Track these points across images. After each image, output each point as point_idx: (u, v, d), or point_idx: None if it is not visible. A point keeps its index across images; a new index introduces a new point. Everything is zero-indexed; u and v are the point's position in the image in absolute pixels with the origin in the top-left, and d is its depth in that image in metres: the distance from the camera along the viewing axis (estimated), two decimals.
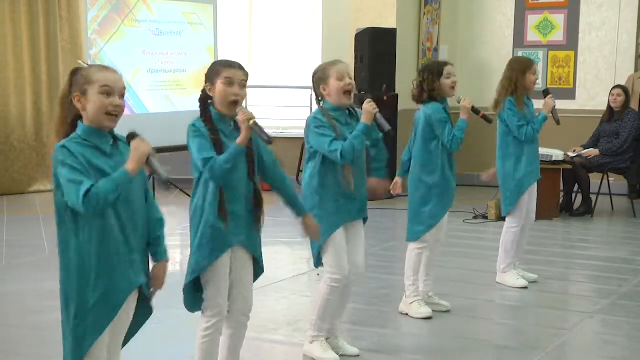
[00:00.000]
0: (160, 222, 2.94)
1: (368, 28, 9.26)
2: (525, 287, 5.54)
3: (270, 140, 3.28)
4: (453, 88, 4.76)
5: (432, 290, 5.05)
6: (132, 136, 2.78)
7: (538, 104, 5.57)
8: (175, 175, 8.72)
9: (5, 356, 4.24)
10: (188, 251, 3.45)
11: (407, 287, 4.94)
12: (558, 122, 5.59)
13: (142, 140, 2.76)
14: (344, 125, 3.95)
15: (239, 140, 3.23)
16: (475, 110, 4.83)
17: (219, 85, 3.29)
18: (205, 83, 3.35)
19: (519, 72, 5.37)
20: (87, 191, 2.61)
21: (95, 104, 2.70)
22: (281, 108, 10.41)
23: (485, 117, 4.86)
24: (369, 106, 3.93)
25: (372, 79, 9.10)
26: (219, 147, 3.27)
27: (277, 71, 10.74)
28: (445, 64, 4.79)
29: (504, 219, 5.73)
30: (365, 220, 4.15)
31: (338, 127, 3.93)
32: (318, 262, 4.10)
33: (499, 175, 5.55)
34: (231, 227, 3.34)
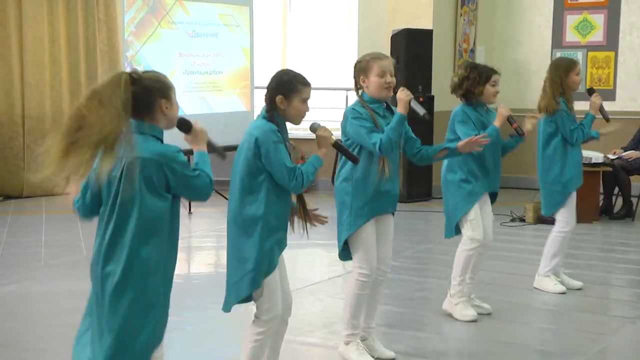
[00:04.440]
0: None
1: (404, 29, 9.20)
2: (564, 293, 5.45)
3: (357, 160, 3.73)
4: (494, 96, 4.76)
5: (473, 293, 5.00)
6: (186, 123, 3.01)
7: (579, 104, 5.46)
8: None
9: (37, 354, 4.28)
10: (223, 253, 3.44)
11: (453, 286, 4.90)
12: (608, 119, 5.46)
13: (196, 123, 3.04)
14: (381, 118, 3.96)
15: (321, 155, 3.48)
16: (510, 120, 4.72)
17: (296, 102, 3.43)
18: (277, 95, 3.43)
19: (562, 72, 5.30)
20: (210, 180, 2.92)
21: (176, 109, 2.94)
22: (316, 109, 10.39)
23: (518, 129, 4.76)
24: (402, 94, 3.91)
25: (408, 80, 9.00)
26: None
27: (313, 73, 10.69)
28: (495, 72, 4.76)
29: (542, 222, 5.65)
30: (393, 214, 4.15)
31: (377, 119, 3.93)
32: (343, 255, 4.09)
33: (541, 176, 5.48)
34: (285, 231, 3.49)
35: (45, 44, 9.38)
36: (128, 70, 2.93)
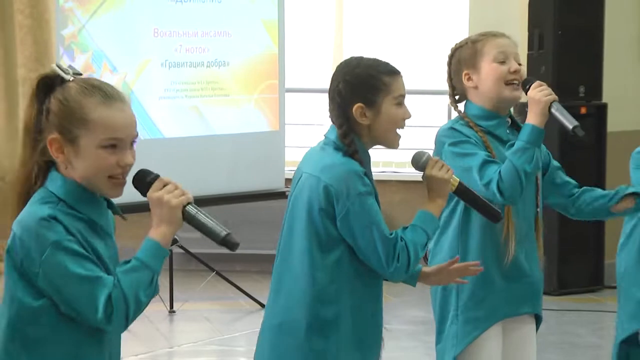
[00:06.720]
0: None
1: None
2: None
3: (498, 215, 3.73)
4: None
5: None
6: (144, 180, 2.92)
7: None
8: (207, 249, 8.78)
9: None
10: None
11: None
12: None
13: (163, 181, 2.88)
14: (501, 145, 4.09)
15: (434, 210, 3.54)
16: None
17: (388, 108, 3.51)
18: (354, 104, 3.51)
19: None
20: (109, 296, 2.76)
21: (94, 162, 2.85)
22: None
23: None
24: (538, 92, 4.02)
25: (561, 75, 9.10)
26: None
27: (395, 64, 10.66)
28: None
29: None
30: (538, 320, 4.29)
31: (491, 145, 4.07)
32: None
33: None
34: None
35: None
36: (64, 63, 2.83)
